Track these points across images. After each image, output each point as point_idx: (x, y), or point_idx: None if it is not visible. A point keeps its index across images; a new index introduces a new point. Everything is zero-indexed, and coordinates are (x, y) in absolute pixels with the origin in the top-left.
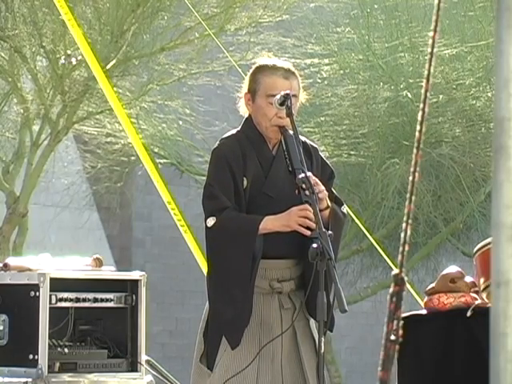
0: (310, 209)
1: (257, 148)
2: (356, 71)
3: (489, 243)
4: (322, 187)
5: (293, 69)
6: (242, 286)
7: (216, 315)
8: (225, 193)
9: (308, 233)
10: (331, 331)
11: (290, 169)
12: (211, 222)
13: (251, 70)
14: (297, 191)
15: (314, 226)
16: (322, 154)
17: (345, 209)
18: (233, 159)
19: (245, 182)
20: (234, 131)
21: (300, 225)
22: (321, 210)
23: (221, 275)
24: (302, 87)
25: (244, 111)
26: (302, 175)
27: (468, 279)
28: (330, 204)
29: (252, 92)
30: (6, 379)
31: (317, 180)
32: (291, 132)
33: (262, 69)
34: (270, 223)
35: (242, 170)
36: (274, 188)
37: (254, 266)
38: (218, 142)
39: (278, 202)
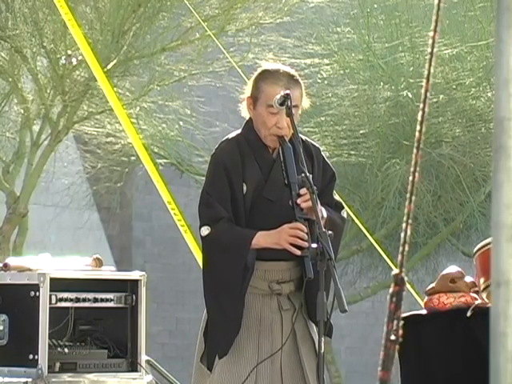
0: (302, 227)
1: (257, 152)
2: (356, 71)
3: (489, 243)
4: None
5: (297, 76)
6: (232, 299)
7: (210, 320)
8: (221, 202)
9: (298, 252)
10: (330, 337)
11: (286, 182)
12: (205, 231)
13: (255, 75)
14: (291, 205)
15: (305, 244)
16: (323, 155)
17: (344, 213)
18: (231, 166)
19: (244, 188)
20: (234, 134)
21: (291, 243)
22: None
23: (213, 284)
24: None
25: (245, 113)
26: (301, 188)
27: (468, 279)
28: (325, 216)
29: (254, 98)
30: (6, 379)
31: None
32: (289, 144)
33: (264, 76)
34: (262, 240)
35: (241, 176)
36: (274, 192)
37: (245, 279)
38: (217, 146)
39: (279, 206)
